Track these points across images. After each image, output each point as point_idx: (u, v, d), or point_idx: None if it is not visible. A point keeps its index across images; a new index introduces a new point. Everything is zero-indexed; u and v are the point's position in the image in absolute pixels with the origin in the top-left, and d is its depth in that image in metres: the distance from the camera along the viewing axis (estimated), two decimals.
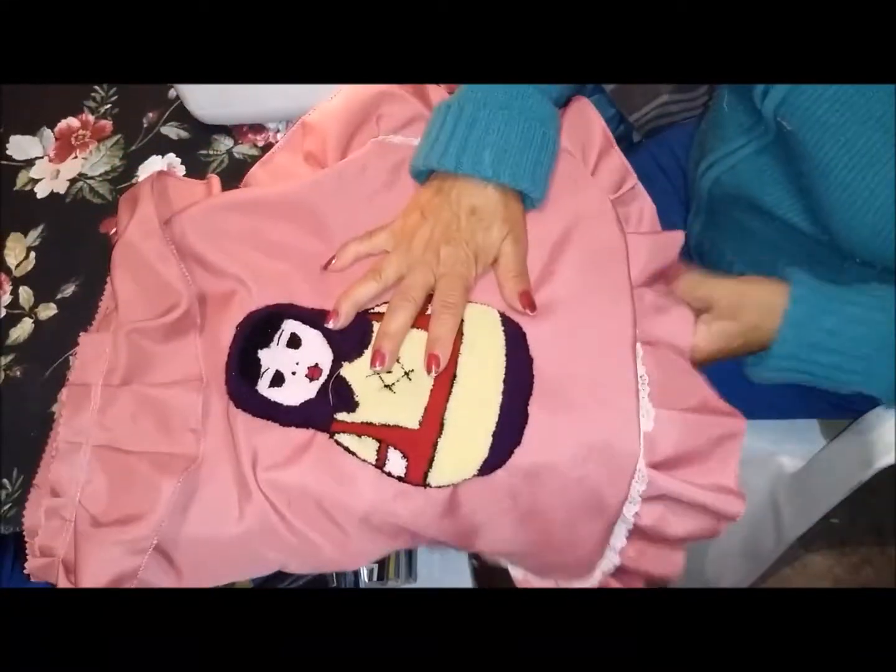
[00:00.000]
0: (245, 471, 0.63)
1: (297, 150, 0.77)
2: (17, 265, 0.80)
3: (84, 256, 0.79)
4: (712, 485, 0.64)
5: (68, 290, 0.78)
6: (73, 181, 0.84)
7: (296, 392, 0.65)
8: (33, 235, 0.82)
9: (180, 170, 0.84)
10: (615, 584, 0.69)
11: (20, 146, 0.87)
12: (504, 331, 0.65)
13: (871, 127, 0.65)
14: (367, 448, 0.63)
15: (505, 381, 0.64)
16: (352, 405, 0.64)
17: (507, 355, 0.64)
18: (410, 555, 0.89)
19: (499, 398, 0.63)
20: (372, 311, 0.67)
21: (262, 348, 0.66)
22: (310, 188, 0.72)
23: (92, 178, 0.84)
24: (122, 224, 0.72)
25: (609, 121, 0.78)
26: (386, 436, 0.63)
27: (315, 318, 0.67)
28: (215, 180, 0.77)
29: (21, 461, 0.71)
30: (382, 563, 0.88)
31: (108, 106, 0.88)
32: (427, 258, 0.66)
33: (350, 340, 0.66)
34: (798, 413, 0.91)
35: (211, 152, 0.84)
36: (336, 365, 0.66)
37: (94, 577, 0.61)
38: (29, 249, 0.81)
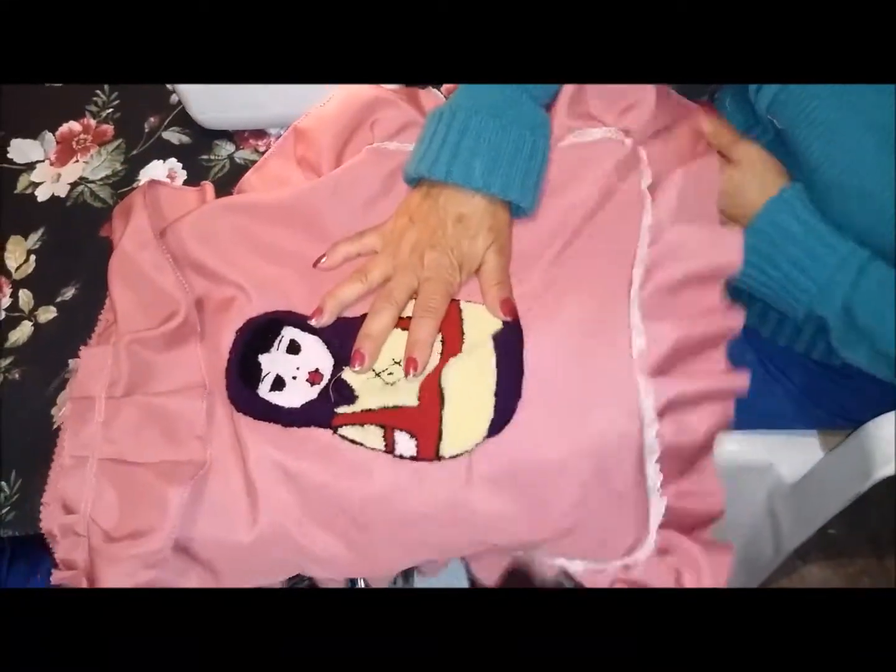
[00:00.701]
0: (254, 476, 0.63)
1: (290, 156, 0.77)
2: (18, 268, 0.80)
3: (84, 260, 0.80)
4: (708, 369, 0.65)
5: (68, 293, 0.79)
6: (73, 185, 0.84)
7: (297, 395, 0.66)
8: (33, 239, 0.82)
9: (181, 174, 0.84)
10: (673, 539, 0.66)
11: (21, 150, 0.87)
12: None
13: (860, 126, 0.66)
14: (372, 436, 0.63)
15: (495, 339, 0.65)
16: (351, 399, 0.65)
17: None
18: None
19: (493, 357, 0.64)
20: None
21: (262, 353, 0.67)
22: (307, 195, 0.72)
23: (93, 182, 0.85)
24: (116, 235, 0.72)
25: None
26: (388, 419, 0.63)
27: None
28: (209, 187, 0.77)
29: (20, 464, 0.71)
30: None
31: (110, 110, 0.89)
32: (412, 262, 0.67)
33: (348, 346, 0.66)
34: (797, 424, 0.91)
35: (212, 157, 0.85)
36: (337, 369, 0.66)
37: None
38: (29, 252, 0.81)
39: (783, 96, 0.70)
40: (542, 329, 0.65)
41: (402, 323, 0.66)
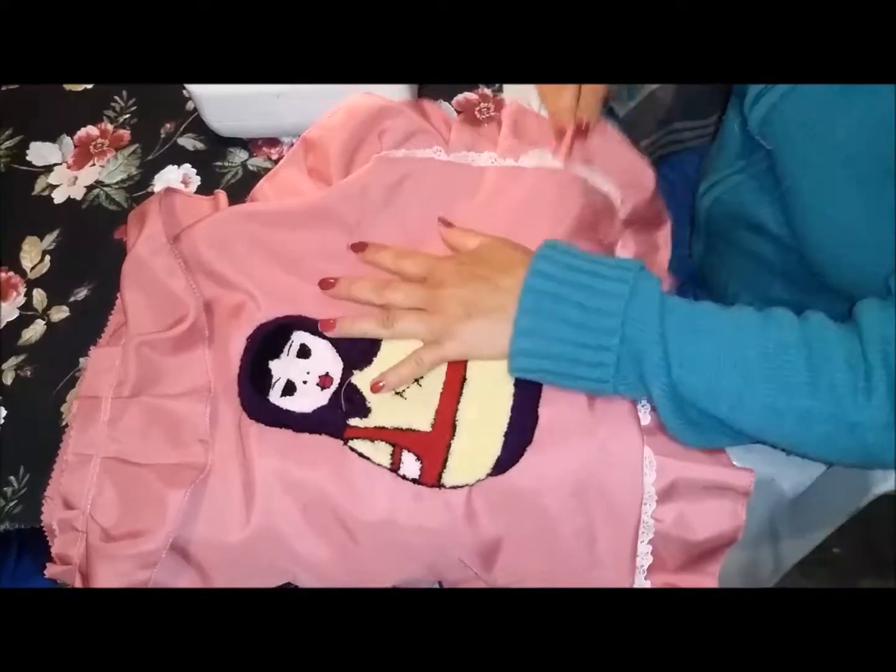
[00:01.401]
0: (256, 479, 0.64)
1: (301, 166, 0.79)
2: (32, 268, 0.82)
3: (97, 261, 0.81)
4: (715, 460, 0.65)
5: (81, 293, 0.80)
6: (89, 188, 0.86)
7: (308, 400, 0.67)
8: (49, 239, 0.83)
9: (195, 180, 0.85)
10: None
11: (40, 153, 0.89)
12: None
13: (834, 156, 0.64)
14: (381, 452, 0.64)
15: (515, 384, 0.65)
16: (364, 411, 0.66)
17: None
18: None
19: (509, 400, 0.65)
20: None
21: (272, 359, 0.68)
22: (317, 203, 0.73)
23: (108, 185, 0.86)
24: (131, 240, 0.73)
25: None
26: (399, 439, 0.64)
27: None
28: (222, 196, 0.79)
29: (29, 459, 0.72)
30: None
31: (127, 116, 0.90)
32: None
33: (358, 349, 0.68)
34: None
35: (226, 164, 0.86)
36: (347, 373, 0.67)
37: None
38: (44, 253, 0.82)
39: (771, 119, 0.69)
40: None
41: None
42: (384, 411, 0.66)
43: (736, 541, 0.65)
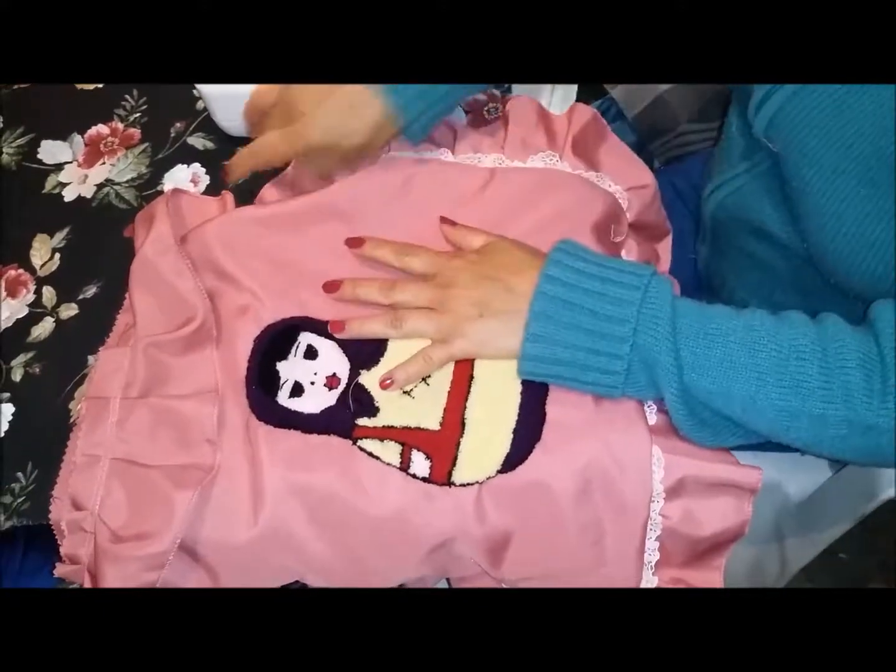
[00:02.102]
0: (264, 480, 0.64)
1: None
2: (42, 265, 0.82)
3: (107, 259, 0.81)
4: (723, 458, 0.65)
5: (90, 290, 0.80)
6: (100, 186, 0.86)
7: (315, 401, 0.67)
8: (59, 237, 0.83)
9: (204, 179, 0.86)
10: None
11: (51, 151, 0.89)
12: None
13: (846, 157, 0.64)
14: (390, 451, 0.65)
15: (522, 382, 0.66)
16: (372, 410, 0.66)
17: None
18: None
19: (517, 398, 0.65)
20: None
21: (279, 361, 0.68)
22: (324, 203, 0.73)
23: (118, 184, 0.86)
24: (139, 241, 0.73)
25: (629, 147, 0.79)
26: (408, 438, 0.65)
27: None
28: (229, 197, 0.79)
29: (37, 456, 0.72)
30: None
31: (138, 115, 0.90)
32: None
33: (365, 349, 0.68)
34: None
35: None
36: (354, 373, 0.67)
37: None
38: (54, 251, 0.83)
39: (778, 121, 0.69)
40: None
41: None
42: (392, 410, 0.66)
43: (742, 535, 0.65)
